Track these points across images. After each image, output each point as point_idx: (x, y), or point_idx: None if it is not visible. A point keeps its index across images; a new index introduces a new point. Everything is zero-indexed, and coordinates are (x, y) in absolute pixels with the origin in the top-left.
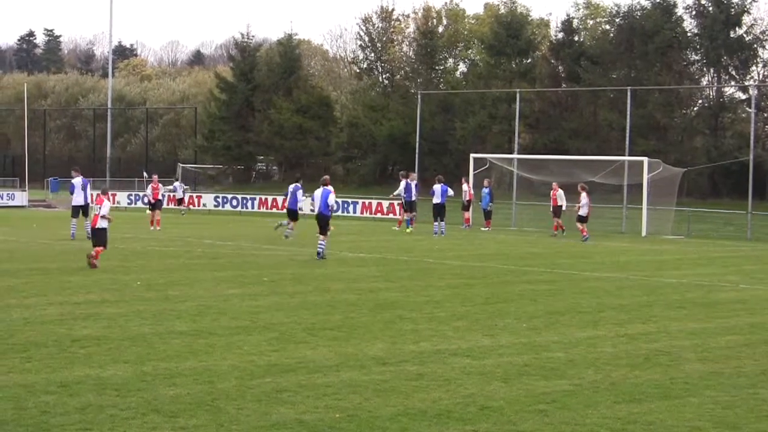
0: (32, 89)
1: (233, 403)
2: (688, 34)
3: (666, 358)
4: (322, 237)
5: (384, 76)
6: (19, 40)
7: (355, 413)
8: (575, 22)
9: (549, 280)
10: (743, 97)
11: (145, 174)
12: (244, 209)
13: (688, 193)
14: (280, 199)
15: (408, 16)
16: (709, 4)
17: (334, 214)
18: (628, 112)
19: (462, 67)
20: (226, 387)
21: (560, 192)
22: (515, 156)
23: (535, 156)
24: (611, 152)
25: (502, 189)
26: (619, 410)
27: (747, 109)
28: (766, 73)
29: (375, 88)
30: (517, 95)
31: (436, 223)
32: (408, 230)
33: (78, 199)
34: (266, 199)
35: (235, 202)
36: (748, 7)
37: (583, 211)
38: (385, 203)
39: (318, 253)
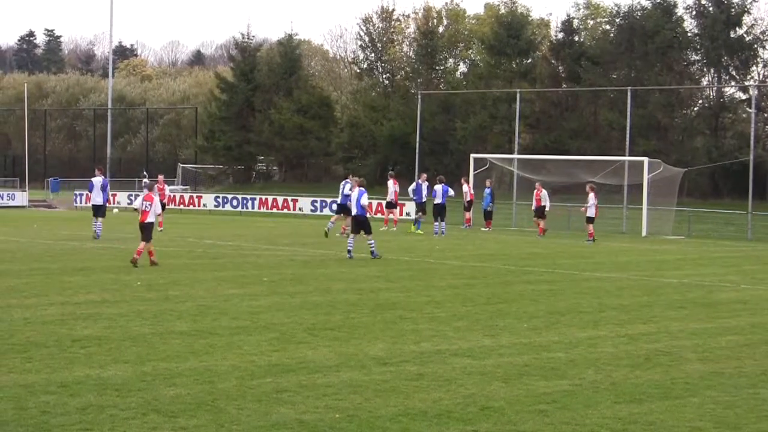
0: (33, 89)
1: (233, 403)
2: (689, 34)
3: (667, 358)
4: (368, 237)
5: (384, 77)
6: (19, 40)
7: (355, 413)
8: (575, 23)
9: (550, 280)
10: (743, 97)
11: (145, 174)
12: (245, 209)
13: (688, 194)
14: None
15: (408, 17)
16: (710, 5)
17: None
18: (629, 112)
19: (462, 68)
20: (226, 387)
21: (544, 192)
22: (515, 156)
23: (535, 156)
24: (611, 152)
25: (503, 189)
26: (620, 410)
27: (747, 109)
28: (766, 73)
29: (375, 88)
30: (518, 95)
31: (437, 224)
32: (418, 231)
33: (96, 198)
34: (266, 199)
35: (235, 202)
36: (748, 7)
37: (590, 212)
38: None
39: (372, 253)
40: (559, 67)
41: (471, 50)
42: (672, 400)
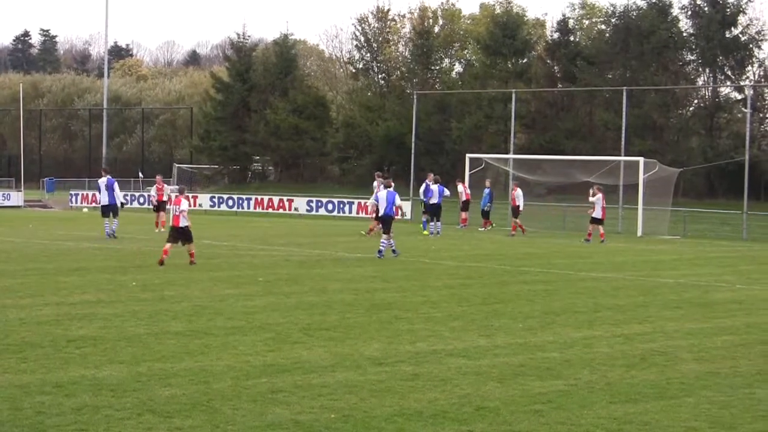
0: (28, 89)
1: (229, 404)
2: (684, 34)
3: (662, 358)
4: (385, 236)
5: (380, 76)
6: (14, 40)
7: (350, 413)
8: (571, 22)
9: (545, 280)
10: (739, 97)
11: (140, 174)
12: (240, 209)
13: (684, 194)
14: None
15: (404, 16)
16: (705, 4)
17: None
18: (624, 112)
19: (458, 67)
20: (221, 387)
21: (519, 192)
22: (511, 156)
23: (531, 156)
24: (607, 152)
25: (498, 189)
26: (615, 410)
27: (743, 109)
28: (761, 73)
29: (371, 88)
30: (513, 95)
31: (432, 224)
32: (424, 232)
33: (103, 198)
34: (262, 199)
35: (231, 203)
36: (743, 7)
37: (597, 213)
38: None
39: (379, 251)
40: (555, 67)
41: (466, 50)
42: (667, 400)
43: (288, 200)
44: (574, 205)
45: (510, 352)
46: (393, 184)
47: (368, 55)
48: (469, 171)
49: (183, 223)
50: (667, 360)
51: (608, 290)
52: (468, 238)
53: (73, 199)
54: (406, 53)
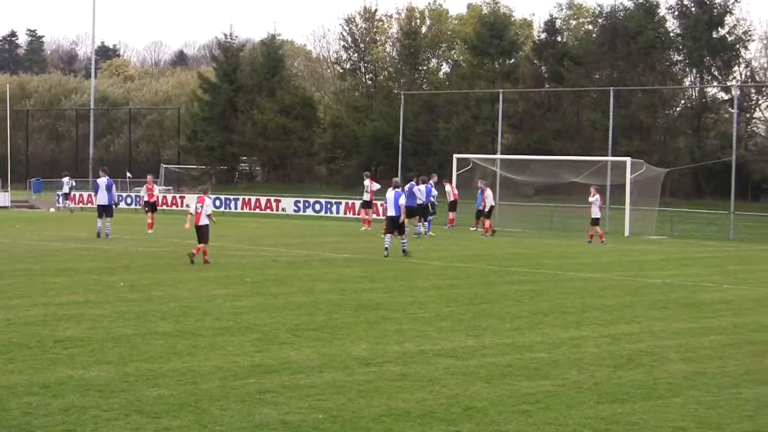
0: (15, 90)
1: (216, 404)
2: (671, 35)
3: (649, 358)
4: (401, 237)
5: (367, 77)
6: (1, 41)
7: (338, 414)
8: (558, 23)
9: (533, 280)
10: (726, 97)
11: (128, 174)
12: (228, 210)
13: (671, 194)
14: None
15: (391, 17)
16: (692, 5)
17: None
18: (611, 113)
19: (445, 68)
20: (209, 388)
21: (489, 192)
22: (498, 156)
23: (518, 156)
24: (594, 152)
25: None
26: (603, 410)
27: (729, 109)
28: (748, 73)
29: (358, 88)
30: (500, 95)
31: (420, 224)
32: (431, 233)
33: (101, 198)
34: (249, 199)
35: (218, 203)
36: (730, 7)
37: (594, 213)
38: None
39: (403, 251)
40: (542, 68)
41: (454, 50)
42: (655, 400)
43: (275, 200)
44: (562, 206)
45: (498, 353)
46: (400, 184)
47: (355, 55)
48: (457, 171)
49: (203, 221)
50: (655, 360)
51: (596, 290)
52: (456, 238)
53: (60, 200)
54: (394, 53)
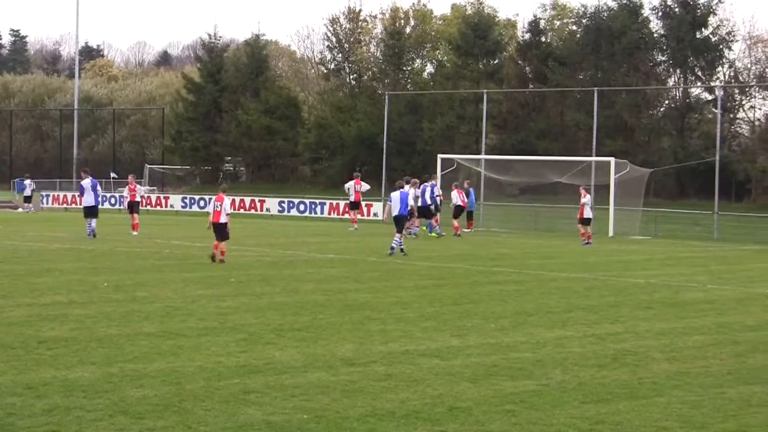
0: None
1: (201, 405)
2: (655, 35)
3: (634, 358)
4: (398, 235)
5: (351, 77)
6: None
7: (323, 414)
8: (542, 23)
9: (517, 280)
10: (709, 98)
11: (114, 176)
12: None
13: (655, 194)
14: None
15: (375, 17)
16: (676, 5)
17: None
18: (595, 113)
19: (429, 68)
20: (193, 388)
21: (455, 192)
22: (483, 157)
23: (502, 156)
24: (578, 153)
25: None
26: (587, 410)
27: (713, 110)
28: (732, 74)
29: (343, 88)
30: (485, 96)
31: (417, 227)
32: (432, 234)
33: (88, 200)
34: (234, 200)
35: (202, 203)
36: (714, 8)
37: (586, 213)
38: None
39: (391, 248)
40: (526, 68)
41: (438, 51)
42: (639, 400)
43: (260, 201)
44: (547, 206)
45: (482, 353)
46: (405, 185)
47: (340, 55)
48: (441, 171)
49: (223, 219)
50: (639, 360)
51: (580, 290)
52: (443, 239)
53: (44, 200)
54: (378, 54)
